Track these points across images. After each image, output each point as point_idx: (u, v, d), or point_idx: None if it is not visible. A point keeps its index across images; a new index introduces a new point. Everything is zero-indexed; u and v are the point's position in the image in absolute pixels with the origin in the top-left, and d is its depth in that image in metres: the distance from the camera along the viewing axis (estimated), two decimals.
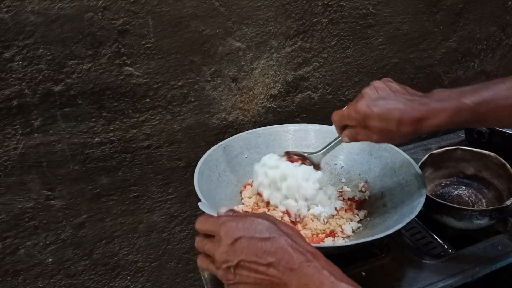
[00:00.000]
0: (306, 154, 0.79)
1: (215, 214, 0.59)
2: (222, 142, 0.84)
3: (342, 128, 0.69)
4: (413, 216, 0.66)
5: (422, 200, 0.69)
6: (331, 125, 0.90)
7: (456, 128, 0.63)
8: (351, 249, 0.69)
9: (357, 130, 0.66)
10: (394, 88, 0.64)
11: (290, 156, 0.79)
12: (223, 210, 0.52)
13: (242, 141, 0.87)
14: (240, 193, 0.83)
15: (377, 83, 0.65)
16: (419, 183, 0.74)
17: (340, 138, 0.72)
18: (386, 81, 0.65)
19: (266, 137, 0.89)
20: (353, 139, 0.68)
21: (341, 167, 0.89)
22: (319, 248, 0.69)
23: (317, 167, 0.79)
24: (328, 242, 0.73)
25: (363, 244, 0.64)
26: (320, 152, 0.78)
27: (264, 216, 0.47)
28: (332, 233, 0.75)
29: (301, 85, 0.95)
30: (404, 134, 0.61)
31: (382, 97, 0.62)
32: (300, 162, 0.78)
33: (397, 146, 0.80)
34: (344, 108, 0.67)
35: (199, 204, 0.64)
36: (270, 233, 0.45)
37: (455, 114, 0.59)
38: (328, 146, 0.77)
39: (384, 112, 0.60)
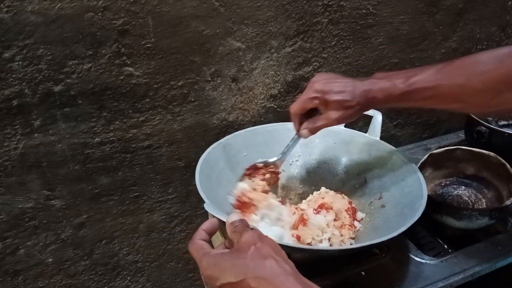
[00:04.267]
0: (268, 160, 0.78)
1: (220, 215, 0.59)
2: (221, 140, 0.84)
3: (300, 121, 0.72)
4: (416, 218, 0.66)
5: (423, 202, 0.69)
6: None
7: (387, 106, 0.71)
8: (354, 251, 0.70)
9: (316, 118, 0.71)
10: (333, 74, 0.72)
11: (253, 169, 0.78)
12: (233, 217, 0.52)
13: (241, 139, 0.87)
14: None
15: (320, 74, 0.72)
16: (418, 184, 0.74)
17: (297, 136, 0.75)
18: (325, 74, 0.73)
19: (265, 135, 0.89)
20: (313, 128, 0.71)
21: (340, 167, 0.89)
22: (324, 251, 0.70)
23: (276, 172, 0.79)
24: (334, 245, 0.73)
25: (365, 247, 0.64)
26: (280, 156, 0.78)
27: (246, 249, 0.46)
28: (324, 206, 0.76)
29: (301, 85, 0.95)
30: (355, 108, 0.67)
31: (332, 78, 0.70)
32: (262, 174, 0.78)
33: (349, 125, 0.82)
34: (300, 96, 0.70)
35: (205, 205, 0.64)
36: (244, 275, 0.44)
37: (387, 92, 0.67)
38: (287, 148, 0.77)
39: (339, 85, 0.68)
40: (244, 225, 0.50)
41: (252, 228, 0.49)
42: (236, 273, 0.44)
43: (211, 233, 0.53)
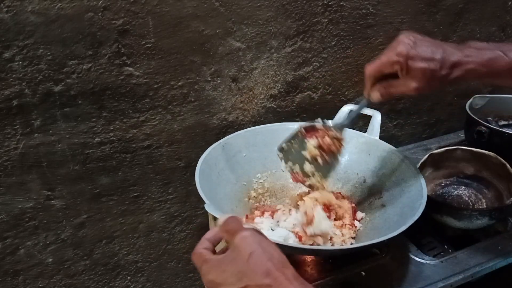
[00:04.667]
0: (326, 125, 0.71)
1: (220, 216, 0.59)
2: (221, 140, 0.84)
3: (373, 83, 0.65)
4: (416, 218, 0.66)
5: (423, 202, 0.69)
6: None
7: (487, 81, 0.63)
8: (355, 251, 0.70)
9: (392, 82, 0.63)
10: (423, 36, 0.63)
11: (310, 130, 0.72)
12: (225, 216, 0.51)
13: (241, 139, 0.87)
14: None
15: (406, 33, 0.63)
16: (418, 183, 0.74)
17: (365, 100, 0.67)
18: (412, 33, 0.64)
19: (264, 135, 0.89)
20: (386, 93, 0.64)
21: (339, 167, 0.89)
22: (325, 251, 0.70)
23: (340, 140, 0.71)
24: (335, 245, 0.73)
25: (366, 247, 0.64)
26: (344, 121, 0.72)
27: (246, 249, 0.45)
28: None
29: (301, 85, 0.95)
30: (442, 79, 0.60)
31: (420, 41, 0.61)
32: (321, 137, 0.70)
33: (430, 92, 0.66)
34: (380, 57, 0.63)
35: (205, 206, 0.64)
36: (246, 282, 0.43)
37: (490, 64, 0.60)
38: (353, 112, 0.71)
39: (427, 50, 0.60)
40: (237, 224, 0.48)
41: (246, 227, 0.47)
42: (237, 279, 0.43)
43: (215, 242, 0.51)
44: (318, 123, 0.71)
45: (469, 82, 0.64)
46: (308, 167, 0.71)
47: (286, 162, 0.73)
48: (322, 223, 0.69)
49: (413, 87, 0.61)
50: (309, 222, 0.70)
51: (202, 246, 0.49)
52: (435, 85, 0.61)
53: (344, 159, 0.89)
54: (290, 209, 0.78)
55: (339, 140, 0.71)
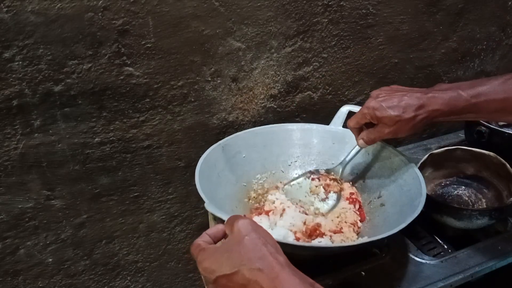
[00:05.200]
0: (327, 169, 0.85)
1: (220, 214, 0.60)
2: (220, 142, 0.84)
3: (358, 133, 0.76)
4: (415, 215, 0.66)
5: (422, 200, 0.69)
6: (328, 124, 0.91)
7: (452, 119, 0.70)
8: (355, 249, 0.70)
9: (370, 130, 0.74)
10: (396, 87, 0.74)
11: (313, 174, 0.84)
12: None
13: (240, 140, 0.87)
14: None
15: (377, 90, 0.74)
16: (417, 182, 0.74)
17: (356, 145, 0.79)
18: (382, 88, 0.75)
19: (263, 136, 0.89)
20: (368, 139, 0.75)
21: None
22: (325, 248, 0.70)
23: (340, 180, 0.84)
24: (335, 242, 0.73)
25: (366, 244, 0.64)
26: (339, 164, 0.84)
27: (241, 237, 0.46)
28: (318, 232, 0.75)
29: (301, 85, 0.95)
30: (409, 122, 0.68)
31: (387, 94, 0.71)
32: (323, 180, 0.83)
33: (401, 139, 0.81)
34: (357, 112, 0.75)
35: (205, 205, 0.65)
36: (238, 266, 0.44)
37: (451, 103, 0.66)
38: (347, 156, 0.82)
39: (392, 100, 0.69)
40: (237, 216, 0.50)
41: (244, 216, 0.49)
42: (230, 264, 0.44)
43: (215, 238, 0.52)
44: (322, 169, 0.85)
45: (439, 122, 0.74)
46: (308, 199, 0.81)
47: (290, 196, 0.82)
48: (321, 240, 0.73)
49: (386, 132, 0.71)
50: (309, 235, 0.74)
51: (202, 239, 0.51)
52: (406, 128, 0.69)
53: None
54: (283, 209, 0.78)
55: (337, 181, 0.83)
